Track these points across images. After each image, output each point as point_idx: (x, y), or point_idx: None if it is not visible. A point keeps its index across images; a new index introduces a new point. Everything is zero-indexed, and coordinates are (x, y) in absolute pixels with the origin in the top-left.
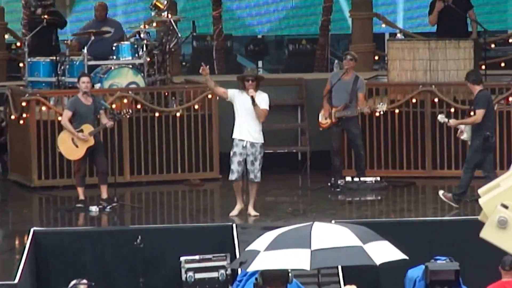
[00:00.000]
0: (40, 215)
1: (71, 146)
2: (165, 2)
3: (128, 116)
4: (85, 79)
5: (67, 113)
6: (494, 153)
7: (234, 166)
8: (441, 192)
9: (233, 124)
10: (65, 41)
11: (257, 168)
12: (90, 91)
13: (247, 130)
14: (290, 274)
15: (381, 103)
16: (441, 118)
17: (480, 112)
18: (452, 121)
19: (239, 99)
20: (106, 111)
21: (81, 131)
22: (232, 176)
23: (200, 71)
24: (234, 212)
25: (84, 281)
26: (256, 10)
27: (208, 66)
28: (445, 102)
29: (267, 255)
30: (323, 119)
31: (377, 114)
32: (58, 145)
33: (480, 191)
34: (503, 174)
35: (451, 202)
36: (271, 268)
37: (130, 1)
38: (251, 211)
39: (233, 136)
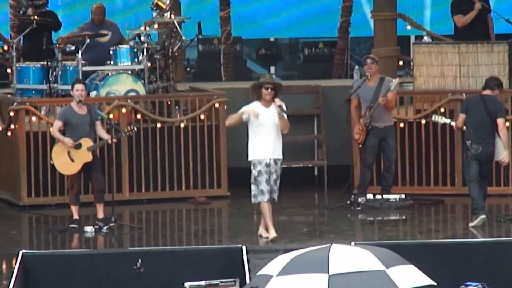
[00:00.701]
0: (30, 237)
1: (67, 160)
2: (168, 2)
3: (133, 133)
4: (79, 86)
5: (57, 124)
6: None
7: (264, 187)
8: (470, 225)
9: (244, 136)
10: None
11: (278, 187)
12: (85, 99)
13: (270, 148)
14: None
15: (393, 80)
16: (439, 118)
17: (459, 116)
18: (453, 123)
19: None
20: (103, 122)
21: (79, 145)
22: (264, 198)
23: (254, 116)
24: (272, 234)
25: None
26: (268, 10)
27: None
28: None
29: (280, 280)
30: (357, 135)
31: (393, 87)
32: (52, 158)
33: None
34: None
35: (479, 221)
36: None
37: (130, 1)
38: (263, 232)
39: (253, 156)
